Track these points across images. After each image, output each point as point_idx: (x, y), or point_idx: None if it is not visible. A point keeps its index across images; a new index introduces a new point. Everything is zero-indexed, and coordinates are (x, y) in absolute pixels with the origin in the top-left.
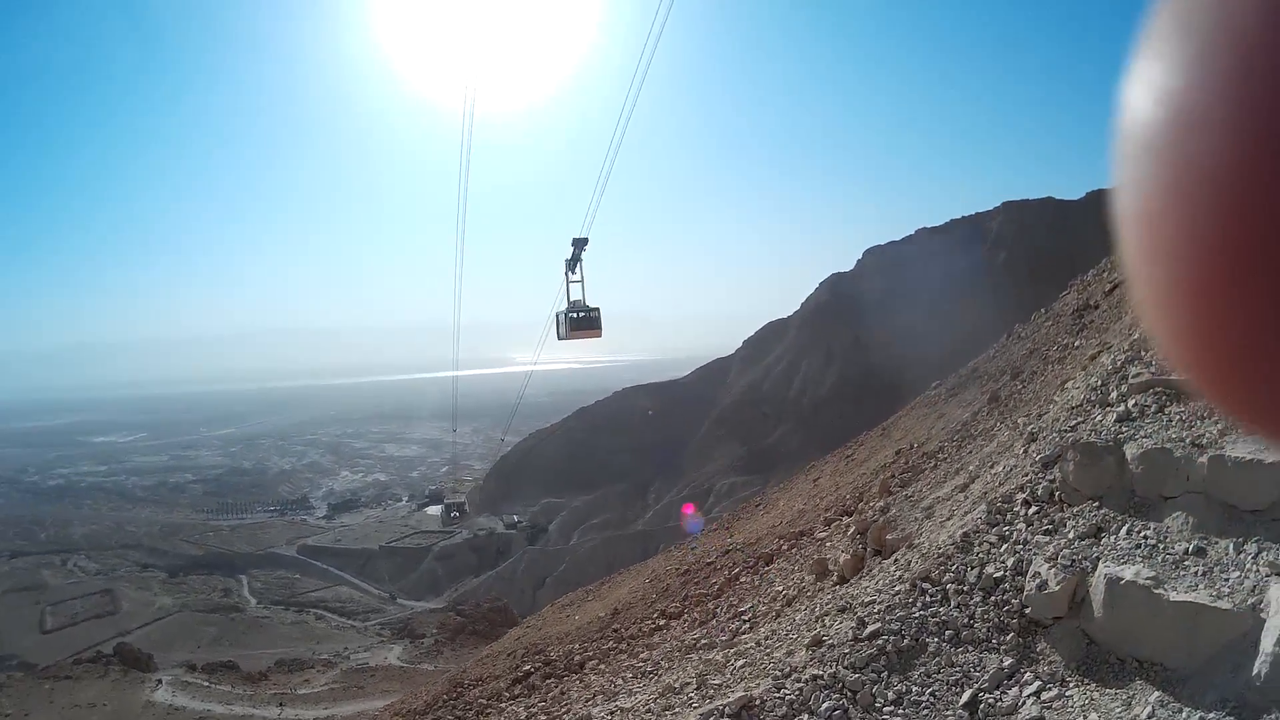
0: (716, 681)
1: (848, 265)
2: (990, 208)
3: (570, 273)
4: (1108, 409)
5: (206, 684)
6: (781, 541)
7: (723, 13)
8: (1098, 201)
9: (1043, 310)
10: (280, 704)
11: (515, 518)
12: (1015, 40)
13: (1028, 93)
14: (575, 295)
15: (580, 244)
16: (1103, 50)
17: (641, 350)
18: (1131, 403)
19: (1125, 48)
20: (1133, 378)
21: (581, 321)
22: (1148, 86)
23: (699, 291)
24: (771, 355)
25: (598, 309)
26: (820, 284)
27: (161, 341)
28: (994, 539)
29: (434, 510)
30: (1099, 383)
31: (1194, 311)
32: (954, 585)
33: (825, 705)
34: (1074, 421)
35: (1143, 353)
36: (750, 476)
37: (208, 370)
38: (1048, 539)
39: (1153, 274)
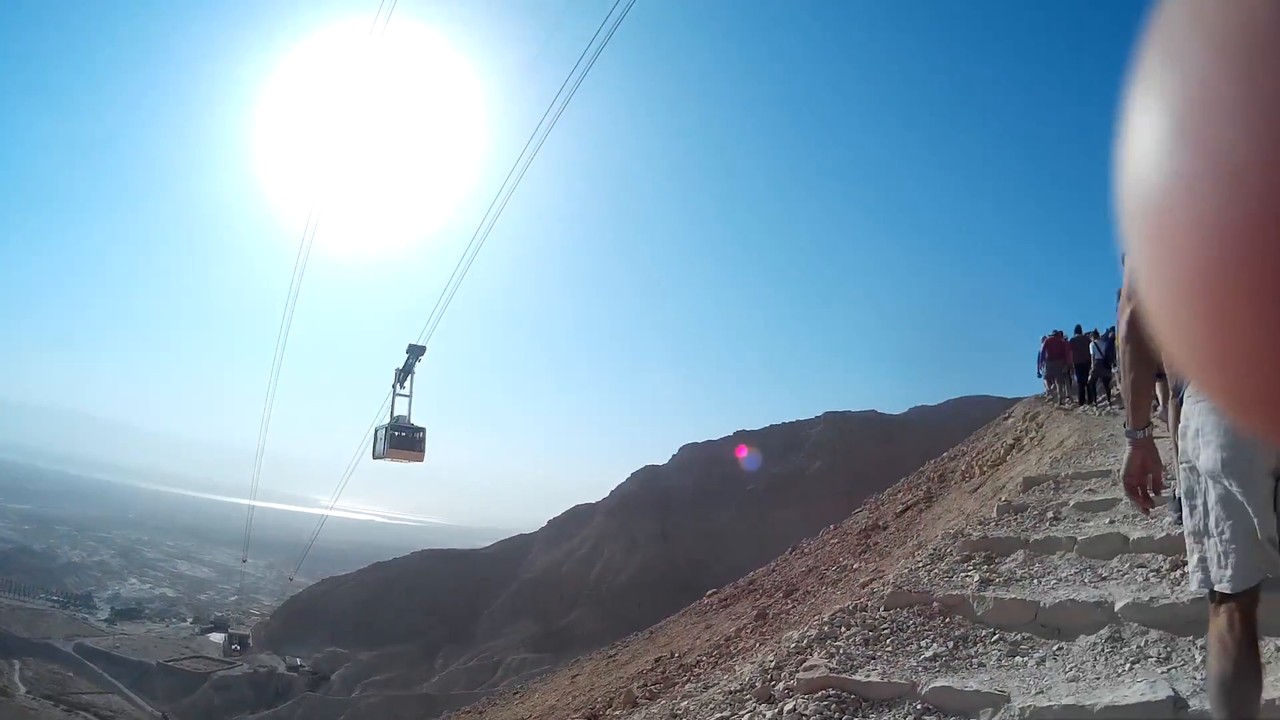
0: None
1: (661, 459)
2: (812, 416)
3: (399, 385)
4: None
5: None
6: None
7: (565, 193)
8: (921, 416)
9: (831, 527)
10: None
11: (298, 660)
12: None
13: (848, 314)
14: (401, 410)
15: (416, 352)
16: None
17: (445, 514)
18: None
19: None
20: (803, 670)
21: (403, 440)
22: (1155, 84)
23: (510, 463)
24: (575, 538)
25: (423, 430)
26: (632, 474)
27: None
28: None
29: (217, 638)
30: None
31: (1206, 314)
32: None
33: None
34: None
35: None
36: (542, 654)
37: (6, 435)
38: None
39: (1162, 276)
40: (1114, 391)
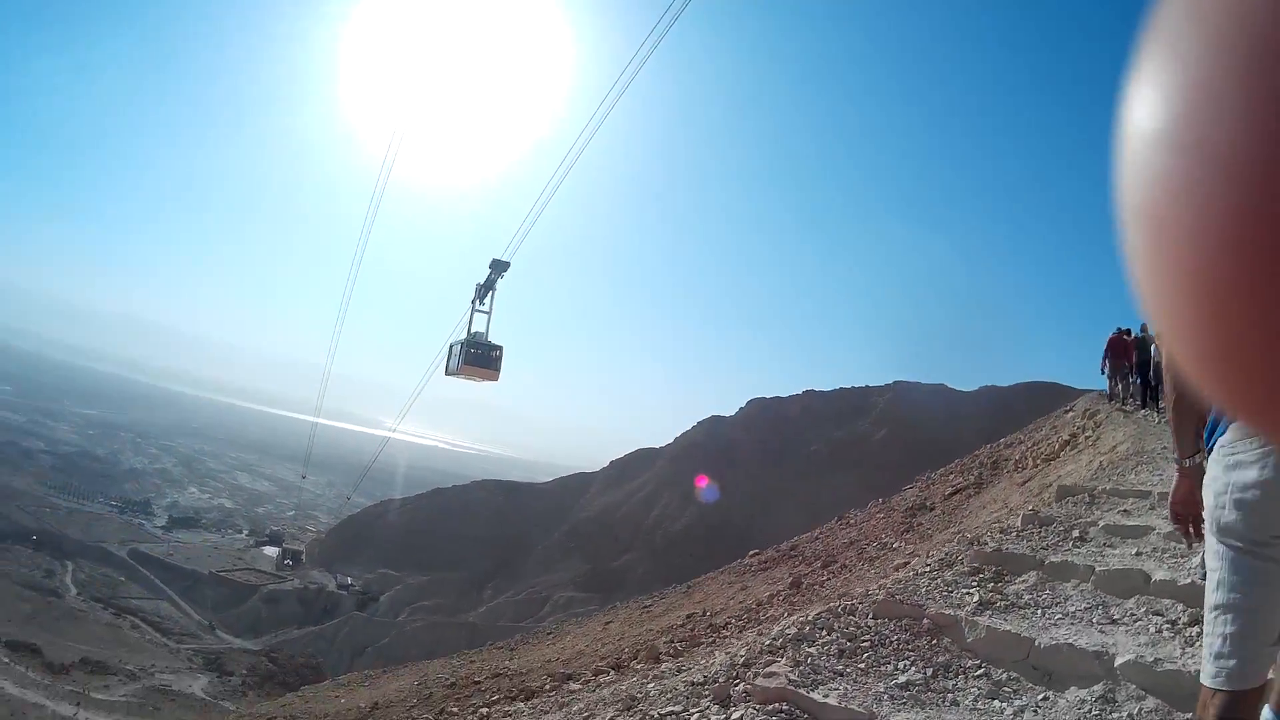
0: None
1: (729, 411)
2: (882, 383)
3: (479, 301)
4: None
5: (7, 660)
6: (549, 679)
7: (654, 145)
8: (988, 396)
9: (880, 500)
10: (77, 703)
11: (349, 580)
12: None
13: (918, 291)
14: (479, 327)
15: (500, 267)
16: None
17: (507, 445)
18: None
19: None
20: (764, 676)
21: (479, 357)
22: (1154, 80)
23: (579, 402)
24: (635, 481)
25: (500, 348)
26: (697, 423)
27: (31, 294)
28: None
29: (270, 551)
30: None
31: (1205, 312)
32: None
33: None
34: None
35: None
36: (589, 594)
37: (76, 340)
38: None
39: (1160, 274)
40: None
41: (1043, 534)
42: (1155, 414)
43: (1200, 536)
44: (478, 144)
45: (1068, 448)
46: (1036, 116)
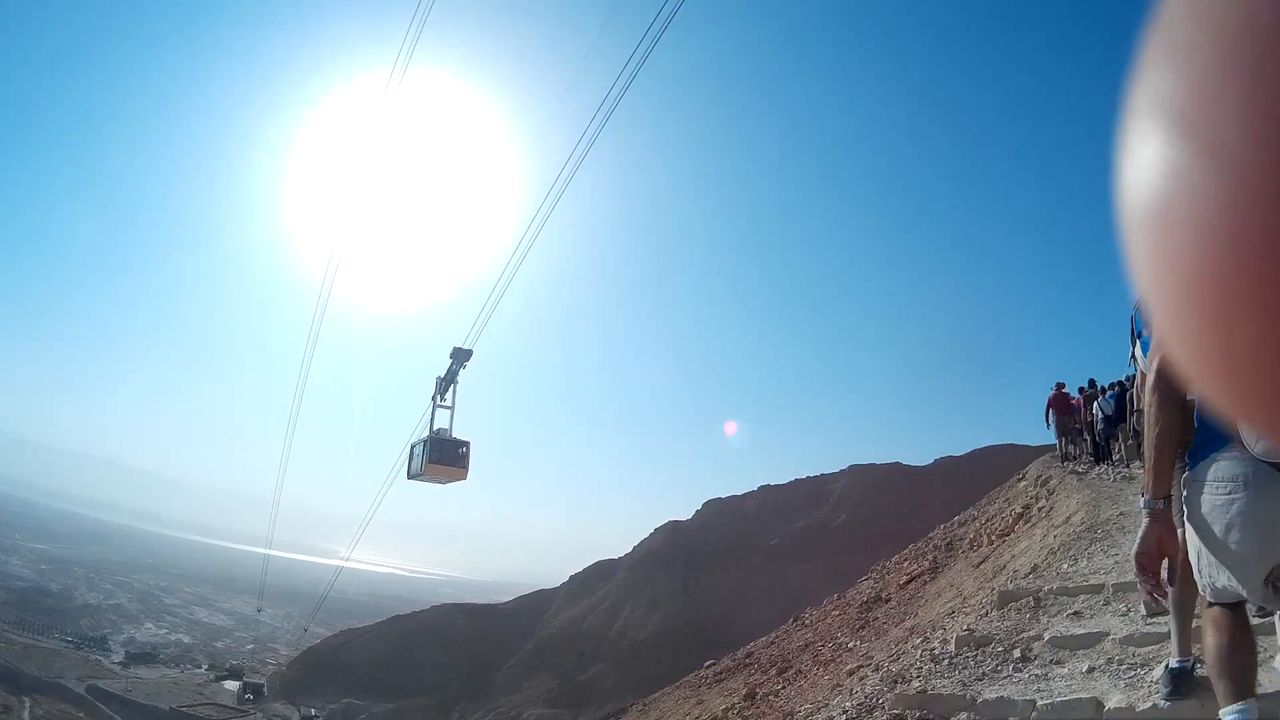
0: None
1: (686, 514)
2: (837, 469)
3: (440, 396)
4: None
5: None
6: None
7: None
8: (944, 468)
9: (835, 596)
10: None
11: (313, 711)
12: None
13: (872, 365)
14: (441, 424)
15: (461, 357)
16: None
17: (464, 568)
18: None
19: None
20: None
21: (445, 454)
22: (1155, 85)
23: (533, 519)
24: (597, 594)
25: (468, 443)
26: (656, 530)
27: None
28: None
29: (231, 685)
30: None
31: (1210, 311)
32: None
33: None
34: None
35: None
36: (559, 710)
37: (28, 476)
38: None
39: (1165, 274)
40: (1126, 446)
41: (979, 658)
42: (1110, 470)
43: (1165, 593)
44: (422, 264)
45: (1021, 521)
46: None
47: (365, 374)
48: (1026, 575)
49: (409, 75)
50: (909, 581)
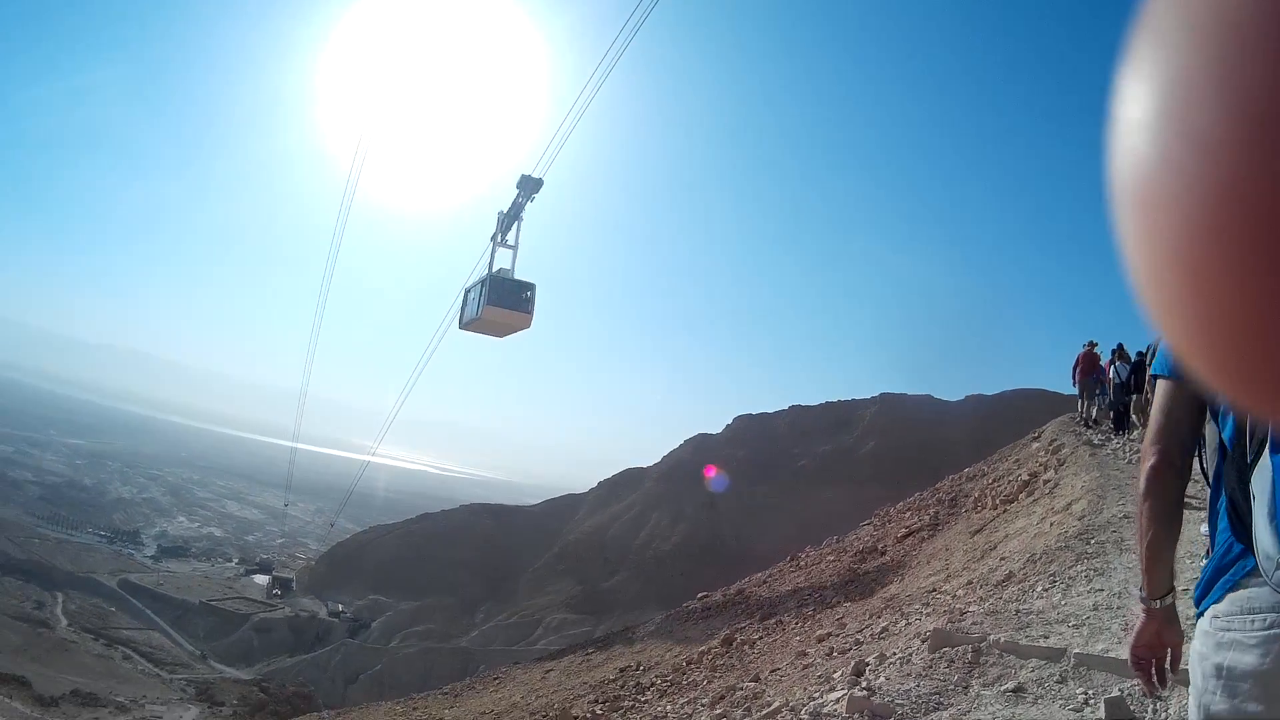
0: None
1: (716, 428)
2: (868, 396)
3: (501, 236)
4: None
5: None
6: None
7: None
8: (974, 404)
9: (836, 539)
10: None
11: (340, 607)
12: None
13: (905, 300)
14: (502, 265)
15: (529, 188)
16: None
17: (493, 468)
18: None
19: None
20: None
21: (506, 296)
22: (1145, 72)
23: (566, 423)
24: (623, 502)
25: (533, 285)
26: (684, 441)
27: (12, 324)
28: None
29: (260, 579)
30: None
31: (1203, 300)
32: None
33: None
34: None
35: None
36: (582, 615)
37: (60, 370)
38: None
39: (1157, 263)
40: (1138, 417)
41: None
42: (1124, 445)
43: (1164, 683)
44: (449, 169)
45: (1025, 492)
46: (1021, 120)
47: (395, 274)
48: (997, 585)
49: None
50: (906, 535)
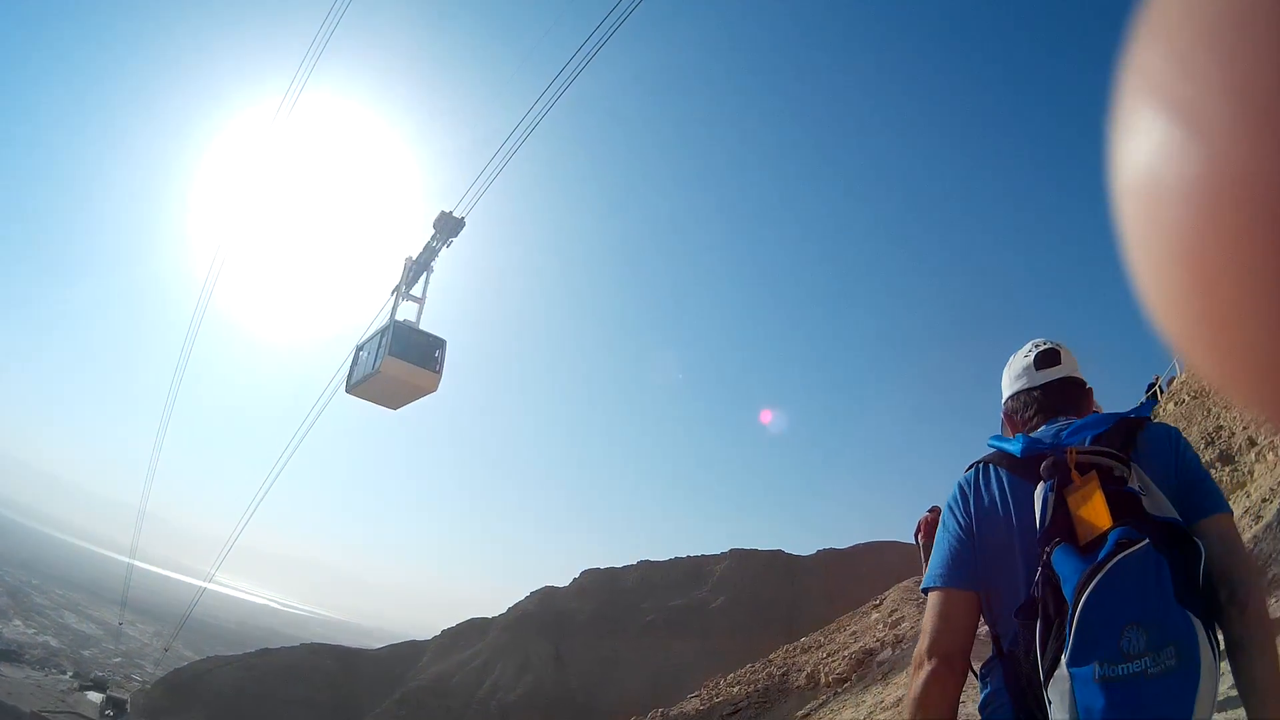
0: None
1: (562, 581)
2: (717, 552)
3: (407, 287)
4: None
5: None
6: None
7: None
8: (826, 559)
9: (660, 714)
10: None
11: None
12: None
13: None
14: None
15: (447, 230)
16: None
17: (337, 608)
18: None
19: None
20: None
21: (412, 350)
22: (1146, 78)
23: (410, 567)
24: (468, 651)
25: (444, 342)
26: (531, 593)
27: None
28: None
29: (94, 697)
30: None
31: (1210, 308)
32: None
33: None
34: None
35: None
36: None
37: None
38: None
39: (1162, 272)
40: None
41: None
42: None
43: None
44: (308, 302)
45: (857, 672)
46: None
47: (247, 398)
48: None
49: (307, 98)
50: (733, 713)
